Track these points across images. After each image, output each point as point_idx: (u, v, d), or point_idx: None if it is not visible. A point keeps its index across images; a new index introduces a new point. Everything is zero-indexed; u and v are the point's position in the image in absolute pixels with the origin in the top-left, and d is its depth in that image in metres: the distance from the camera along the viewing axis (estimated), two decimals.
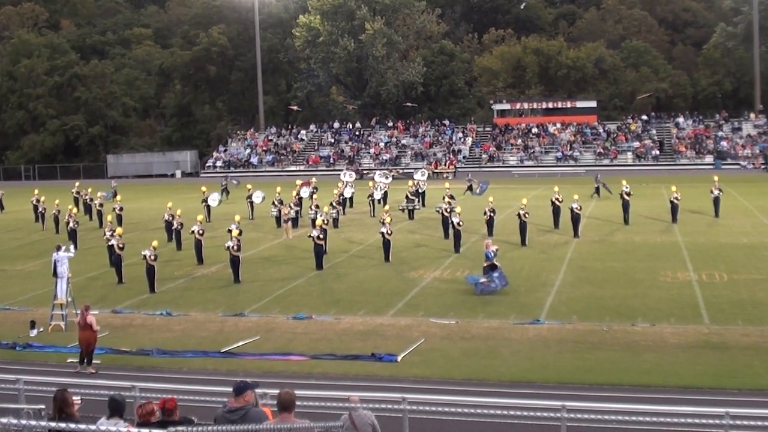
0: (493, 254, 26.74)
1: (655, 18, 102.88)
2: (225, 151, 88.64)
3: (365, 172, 73.44)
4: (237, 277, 29.11)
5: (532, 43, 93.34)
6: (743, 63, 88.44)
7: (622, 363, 18.71)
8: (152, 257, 27.75)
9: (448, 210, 36.63)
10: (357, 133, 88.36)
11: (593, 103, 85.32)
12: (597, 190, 50.54)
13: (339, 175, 56.79)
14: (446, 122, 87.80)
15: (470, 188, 53.84)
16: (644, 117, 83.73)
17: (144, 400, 9.88)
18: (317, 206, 39.36)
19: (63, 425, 7.84)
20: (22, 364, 19.60)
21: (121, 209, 43.60)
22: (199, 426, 7.97)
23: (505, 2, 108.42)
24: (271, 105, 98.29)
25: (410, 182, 48.24)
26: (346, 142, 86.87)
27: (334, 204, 41.72)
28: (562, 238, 35.89)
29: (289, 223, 39.38)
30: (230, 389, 9.30)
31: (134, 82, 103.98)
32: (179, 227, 36.44)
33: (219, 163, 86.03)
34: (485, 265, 26.69)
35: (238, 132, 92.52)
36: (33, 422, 8.30)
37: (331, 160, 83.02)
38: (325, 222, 33.40)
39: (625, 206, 39.48)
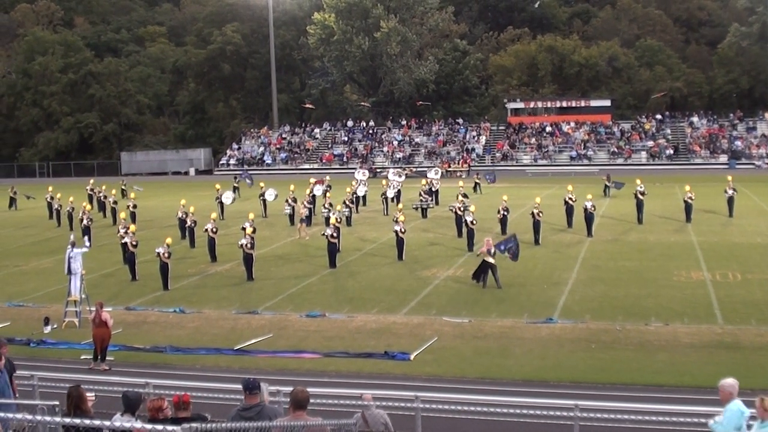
0: (501, 249, 26.75)
1: (670, 17, 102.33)
2: (239, 149, 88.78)
3: (378, 170, 73.50)
4: (250, 274, 29.15)
5: (547, 42, 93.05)
6: (758, 62, 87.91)
7: (635, 362, 18.67)
8: (166, 254, 27.81)
9: (462, 209, 36.61)
10: (370, 131, 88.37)
11: (607, 102, 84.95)
12: (606, 189, 50.34)
13: (352, 173, 56.82)
14: (459, 121, 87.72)
15: (477, 186, 54.05)
16: (658, 116, 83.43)
17: (156, 396, 9.91)
18: (330, 204, 39.45)
19: (77, 421, 7.88)
20: (36, 360, 19.66)
21: (134, 206, 43.83)
22: (212, 423, 7.99)
23: (519, 0, 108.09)
24: (285, 103, 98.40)
25: (423, 181, 48.22)
26: (360, 141, 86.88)
27: (347, 202, 41.75)
28: (576, 237, 35.80)
29: (303, 222, 39.35)
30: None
31: (148, 79, 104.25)
32: (193, 225, 36.55)
33: (233, 161, 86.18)
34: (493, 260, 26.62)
35: (252, 130, 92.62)
36: (48, 418, 8.32)
37: (345, 159, 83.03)
38: (339, 220, 33.44)
39: (639, 206, 39.39)
